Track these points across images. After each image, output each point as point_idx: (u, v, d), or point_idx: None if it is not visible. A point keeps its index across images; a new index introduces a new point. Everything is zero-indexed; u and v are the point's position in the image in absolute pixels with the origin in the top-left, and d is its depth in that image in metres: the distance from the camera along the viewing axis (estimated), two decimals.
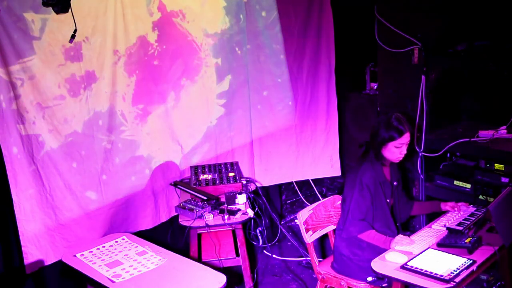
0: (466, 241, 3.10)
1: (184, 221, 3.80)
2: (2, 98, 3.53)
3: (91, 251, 3.52)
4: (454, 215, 3.50)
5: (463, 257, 3.01)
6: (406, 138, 3.41)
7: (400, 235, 3.26)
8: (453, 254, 3.05)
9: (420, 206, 3.77)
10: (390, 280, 3.10)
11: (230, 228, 3.95)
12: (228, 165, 4.47)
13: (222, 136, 4.69)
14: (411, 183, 4.50)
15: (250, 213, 3.86)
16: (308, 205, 3.76)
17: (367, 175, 3.42)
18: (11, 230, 3.66)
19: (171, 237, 4.32)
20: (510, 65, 4.07)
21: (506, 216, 3.12)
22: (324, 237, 3.83)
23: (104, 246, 3.59)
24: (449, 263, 2.96)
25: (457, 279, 2.84)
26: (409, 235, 3.29)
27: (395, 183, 3.58)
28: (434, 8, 4.27)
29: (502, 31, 4.25)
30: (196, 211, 3.80)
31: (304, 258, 4.61)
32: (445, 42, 4.35)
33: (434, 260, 3.01)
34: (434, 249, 3.13)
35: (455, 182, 4.19)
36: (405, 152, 3.44)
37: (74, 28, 3.50)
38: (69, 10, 3.40)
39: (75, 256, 3.48)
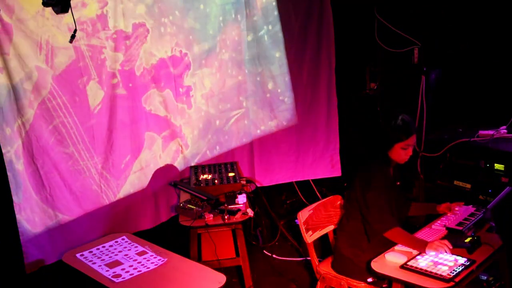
0: (466, 241, 3.10)
1: (184, 221, 3.80)
2: (2, 97, 3.53)
3: (91, 251, 3.52)
4: (454, 215, 3.50)
5: (463, 257, 3.01)
6: (413, 139, 3.38)
7: (439, 241, 3.14)
8: (453, 254, 3.05)
9: (416, 207, 3.75)
10: (390, 280, 3.10)
11: (230, 228, 3.96)
12: (228, 165, 4.47)
13: (222, 136, 4.70)
14: (411, 183, 4.50)
15: (250, 213, 3.86)
16: (308, 205, 3.76)
17: (380, 177, 3.40)
18: (11, 230, 3.66)
19: (171, 237, 4.32)
20: (510, 65, 4.07)
21: (505, 216, 3.12)
22: (324, 237, 3.83)
23: (104, 246, 3.58)
24: (449, 263, 2.96)
25: (457, 279, 2.84)
26: None
27: (397, 183, 3.59)
28: (434, 8, 4.27)
29: (502, 31, 4.25)
30: (196, 211, 3.80)
31: (304, 258, 4.61)
32: (445, 42, 4.35)
33: (434, 260, 3.01)
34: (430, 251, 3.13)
35: (455, 182, 4.19)
36: (411, 153, 3.41)
37: (74, 28, 3.49)
38: (69, 10, 3.40)
39: (75, 256, 3.48)
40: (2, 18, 3.44)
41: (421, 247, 3.14)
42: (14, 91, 3.58)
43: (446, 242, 3.09)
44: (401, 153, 3.38)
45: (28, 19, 3.55)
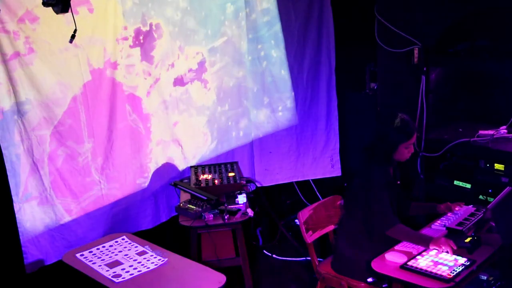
0: (466, 241, 3.10)
1: (184, 221, 3.80)
2: (2, 97, 3.53)
3: (91, 251, 3.52)
4: (454, 215, 3.50)
5: (463, 257, 3.01)
6: (414, 138, 3.42)
7: (445, 238, 3.12)
8: (453, 254, 3.05)
9: (417, 207, 3.75)
10: (390, 280, 3.10)
11: (230, 228, 3.95)
12: (228, 165, 4.47)
13: (222, 136, 4.70)
14: (411, 183, 4.50)
15: (250, 213, 3.86)
16: (308, 205, 3.76)
17: (381, 177, 3.40)
18: (11, 230, 3.66)
19: (171, 237, 4.32)
20: (510, 65, 4.06)
21: (505, 216, 3.12)
22: (324, 237, 3.83)
23: (104, 246, 3.58)
24: (449, 263, 2.96)
25: (457, 279, 2.84)
26: None
27: (398, 182, 3.59)
28: (434, 8, 4.27)
29: (503, 31, 4.25)
30: (196, 211, 3.80)
31: (304, 258, 4.61)
32: (445, 42, 4.35)
33: (434, 260, 3.01)
34: (434, 248, 3.13)
35: (455, 182, 4.18)
36: (412, 150, 3.45)
37: (74, 27, 3.49)
38: (69, 10, 3.40)
39: (75, 256, 3.48)
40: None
41: (425, 243, 3.14)
42: (15, 91, 3.58)
43: (451, 242, 3.08)
44: (404, 152, 3.41)
45: None
